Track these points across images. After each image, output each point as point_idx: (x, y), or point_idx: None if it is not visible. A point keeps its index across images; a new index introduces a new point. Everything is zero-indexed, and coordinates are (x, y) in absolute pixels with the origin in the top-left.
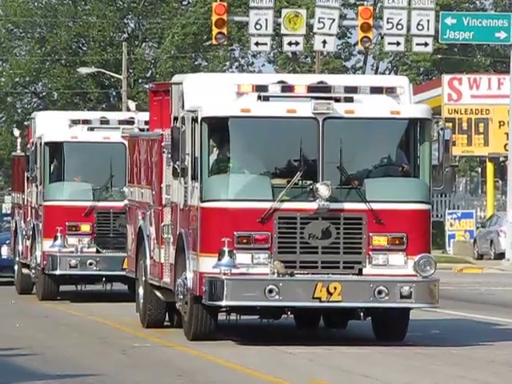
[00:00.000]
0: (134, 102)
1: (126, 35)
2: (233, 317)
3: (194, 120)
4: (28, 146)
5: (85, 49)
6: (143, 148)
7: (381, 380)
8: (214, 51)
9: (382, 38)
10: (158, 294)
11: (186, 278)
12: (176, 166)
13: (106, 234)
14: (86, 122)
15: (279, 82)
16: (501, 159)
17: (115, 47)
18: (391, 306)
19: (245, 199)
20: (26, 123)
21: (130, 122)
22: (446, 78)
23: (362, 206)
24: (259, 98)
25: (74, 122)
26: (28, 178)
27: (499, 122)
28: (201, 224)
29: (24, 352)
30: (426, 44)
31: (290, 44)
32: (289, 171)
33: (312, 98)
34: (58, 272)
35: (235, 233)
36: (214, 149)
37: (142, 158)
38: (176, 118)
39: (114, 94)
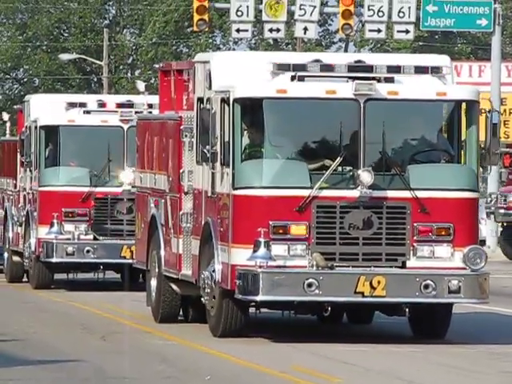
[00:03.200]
0: (143, 83)
1: (107, 21)
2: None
3: (225, 101)
4: (23, 129)
5: (66, 35)
6: (155, 131)
7: (359, 365)
8: (195, 38)
9: (363, 25)
10: (174, 286)
11: (214, 271)
12: (205, 151)
13: (104, 221)
14: (82, 104)
15: (315, 61)
16: None
17: (96, 33)
18: (439, 302)
19: (281, 186)
20: (15, 107)
21: (128, 105)
22: None
23: (405, 193)
24: (294, 77)
25: (71, 105)
26: (22, 162)
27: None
28: (233, 213)
29: (5, 338)
30: (407, 31)
31: (271, 31)
32: (328, 156)
33: (349, 78)
34: (54, 260)
35: (271, 222)
36: (247, 132)
37: (154, 141)
38: (201, 99)
39: (96, 80)
